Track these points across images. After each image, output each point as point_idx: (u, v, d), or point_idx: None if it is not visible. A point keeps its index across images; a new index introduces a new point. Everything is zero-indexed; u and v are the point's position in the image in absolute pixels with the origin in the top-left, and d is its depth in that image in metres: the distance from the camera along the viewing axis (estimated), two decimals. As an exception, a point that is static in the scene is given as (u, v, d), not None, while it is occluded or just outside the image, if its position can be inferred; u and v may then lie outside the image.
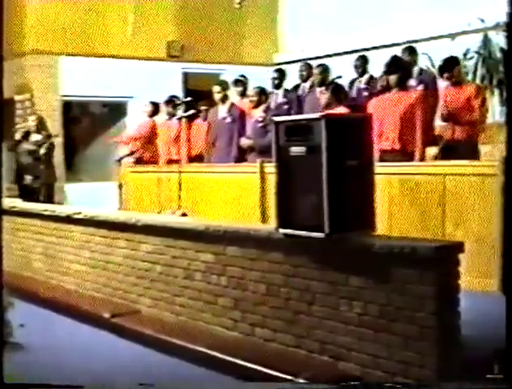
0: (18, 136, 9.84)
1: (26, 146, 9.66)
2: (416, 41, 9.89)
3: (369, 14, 11.65)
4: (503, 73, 9.09)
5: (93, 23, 12.08)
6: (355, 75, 9.03)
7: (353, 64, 9.00)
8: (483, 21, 9.72)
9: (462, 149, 7.01)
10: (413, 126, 6.88)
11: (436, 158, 7.02)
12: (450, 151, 7.07)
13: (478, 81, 9.41)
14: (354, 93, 8.81)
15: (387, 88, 7.53)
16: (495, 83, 9.42)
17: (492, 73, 9.49)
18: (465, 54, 9.59)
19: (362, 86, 8.80)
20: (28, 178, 9.58)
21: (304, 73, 9.46)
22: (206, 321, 5.38)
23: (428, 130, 7.11)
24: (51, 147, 10.13)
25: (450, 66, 7.26)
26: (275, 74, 9.57)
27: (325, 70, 8.98)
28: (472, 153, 6.93)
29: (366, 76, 8.88)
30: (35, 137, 9.72)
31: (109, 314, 6.01)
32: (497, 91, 9.36)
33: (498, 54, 9.48)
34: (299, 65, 9.71)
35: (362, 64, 8.96)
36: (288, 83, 9.69)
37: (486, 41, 9.67)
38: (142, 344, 5.41)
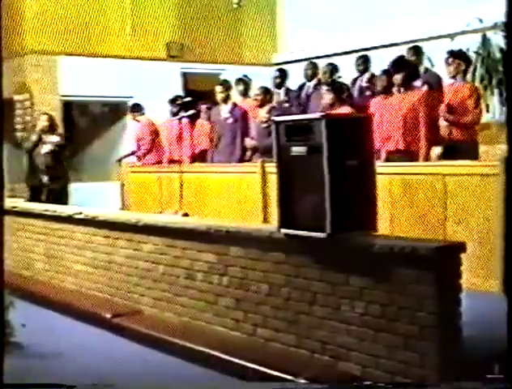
0: (34, 138, 9.79)
1: (45, 147, 9.61)
2: (415, 41, 9.90)
3: (368, 15, 11.64)
4: (502, 73, 9.09)
5: (93, 23, 12.07)
6: (356, 74, 9.06)
7: (355, 63, 9.03)
8: (481, 21, 9.73)
9: (462, 149, 7.03)
10: (417, 126, 6.90)
11: (439, 158, 7.03)
12: (450, 151, 7.09)
13: (477, 81, 9.41)
14: (356, 92, 8.83)
15: (388, 88, 7.54)
16: (494, 83, 9.42)
17: (491, 73, 9.49)
18: (464, 54, 9.58)
19: (364, 84, 8.81)
20: (45, 179, 9.54)
21: (309, 72, 9.48)
22: (208, 321, 5.39)
23: (432, 130, 7.10)
24: (67, 148, 10.09)
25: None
26: (277, 74, 9.62)
27: (334, 69, 9.02)
28: (471, 153, 6.94)
29: (367, 74, 8.89)
30: (52, 138, 9.68)
31: (111, 314, 6.02)
32: (496, 91, 9.37)
33: (497, 54, 9.49)
34: (304, 64, 9.72)
35: (363, 62, 8.99)
36: (290, 83, 9.72)
37: (485, 41, 9.67)
38: (144, 344, 5.42)
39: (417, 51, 8.43)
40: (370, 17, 11.59)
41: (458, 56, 7.39)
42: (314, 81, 9.37)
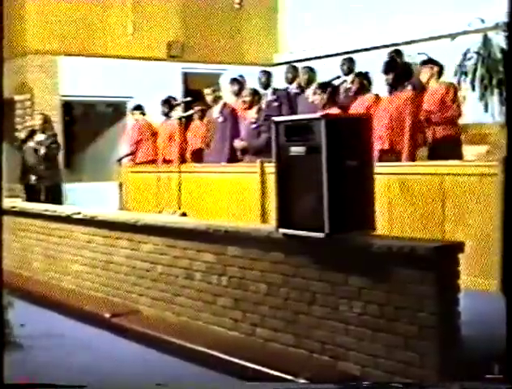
0: (23, 135, 9.84)
1: (31, 145, 9.65)
2: (415, 41, 9.91)
3: (368, 15, 11.65)
4: (503, 73, 9.09)
5: (93, 24, 12.08)
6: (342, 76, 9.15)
7: (340, 64, 9.13)
8: (483, 21, 9.72)
9: (445, 149, 7.12)
10: (402, 127, 6.97)
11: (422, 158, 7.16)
12: (434, 151, 7.20)
13: (478, 81, 9.41)
14: (342, 93, 8.87)
15: (360, 89, 7.95)
16: (495, 83, 9.41)
17: (491, 73, 9.47)
18: (465, 54, 9.59)
19: (348, 85, 8.87)
20: (33, 178, 9.58)
21: (289, 75, 9.59)
22: (207, 321, 5.39)
23: (418, 131, 7.20)
24: (56, 147, 10.09)
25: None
26: (261, 75, 9.68)
27: (311, 72, 9.15)
28: (455, 152, 7.03)
29: (351, 76, 8.94)
30: (39, 137, 9.73)
31: (110, 313, 6.02)
32: (496, 91, 9.36)
33: (498, 54, 9.48)
34: (285, 68, 9.83)
35: (347, 64, 9.07)
36: (278, 84, 9.78)
37: (486, 41, 9.65)
38: (143, 344, 5.42)
39: (398, 54, 8.54)
40: (370, 17, 11.60)
41: (427, 62, 7.75)
42: (295, 84, 9.43)
